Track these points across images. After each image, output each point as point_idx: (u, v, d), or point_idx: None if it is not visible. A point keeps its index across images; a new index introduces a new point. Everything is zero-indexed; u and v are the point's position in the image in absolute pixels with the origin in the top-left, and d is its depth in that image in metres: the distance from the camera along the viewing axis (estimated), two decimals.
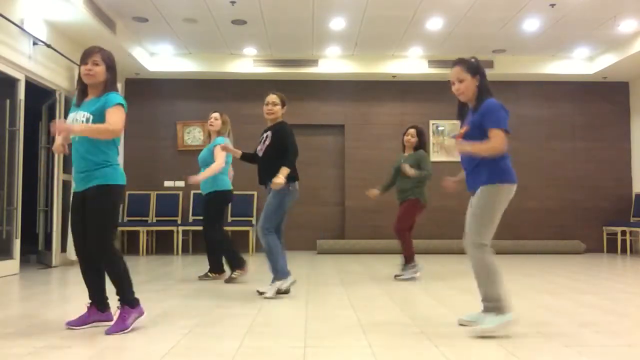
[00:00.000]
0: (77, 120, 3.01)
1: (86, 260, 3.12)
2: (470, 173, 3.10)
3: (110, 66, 3.12)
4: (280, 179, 4.07)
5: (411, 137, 5.51)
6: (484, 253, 3.01)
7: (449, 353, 2.59)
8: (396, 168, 5.54)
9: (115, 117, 2.99)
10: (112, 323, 3.05)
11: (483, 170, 3.01)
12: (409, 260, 5.40)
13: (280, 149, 4.25)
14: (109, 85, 3.10)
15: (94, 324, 3.14)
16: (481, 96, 3.06)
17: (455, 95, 3.19)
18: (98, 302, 3.15)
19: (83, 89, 3.13)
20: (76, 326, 3.08)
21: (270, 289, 4.20)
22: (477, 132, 3.01)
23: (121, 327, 2.98)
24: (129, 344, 2.76)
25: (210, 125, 5.36)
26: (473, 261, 3.04)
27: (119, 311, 3.05)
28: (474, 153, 2.98)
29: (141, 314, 3.11)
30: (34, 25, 6.07)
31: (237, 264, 5.15)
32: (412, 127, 5.60)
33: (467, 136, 3.05)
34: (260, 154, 4.38)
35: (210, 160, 5.18)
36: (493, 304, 2.99)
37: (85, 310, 3.16)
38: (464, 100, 3.14)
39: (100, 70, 3.07)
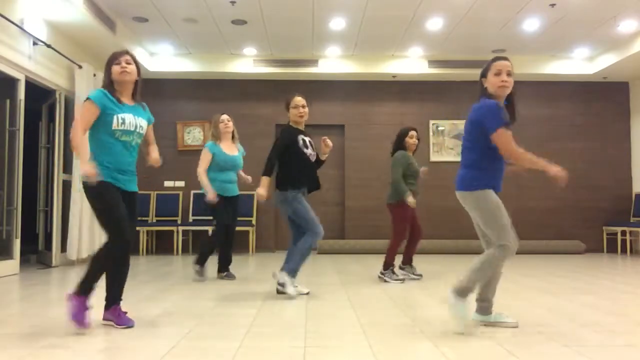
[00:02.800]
0: (142, 128, 3.19)
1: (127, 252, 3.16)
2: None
3: (139, 67, 3.24)
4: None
5: (416, 138, 5.42)
6: None
7: (449, 353, 2.59)
8: (417, 170, 5.34)
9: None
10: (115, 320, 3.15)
11: None
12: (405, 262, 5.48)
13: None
14: (138, 87, 3.24)
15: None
16: (514, 103, 3.17)
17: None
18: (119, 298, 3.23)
19: (113, 91, 3.14)
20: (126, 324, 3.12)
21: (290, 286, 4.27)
22: None
23: (132, 321, 3.17)
24: (129, 343, 2.76)
25: (226, 126, 5.36)
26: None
27: (118, 307, 3.17)
28: None
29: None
30: (34, 25, 6.08)
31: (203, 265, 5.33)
32: (414, 128, 5.46)
33: None
34: (313, 159, 4.40)
35: (241, 166, 5.44)
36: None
37: (117, 310, 3.18)
38: (504, 95, 3.10)
39: (134, 69, 3.17)
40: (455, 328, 3.03)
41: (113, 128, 3.02)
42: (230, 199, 5.34)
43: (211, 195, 5.10)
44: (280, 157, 4.27)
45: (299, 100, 4.39)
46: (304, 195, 4.32)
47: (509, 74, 3.05)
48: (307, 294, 4.36)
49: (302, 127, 4.45)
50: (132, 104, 3.18)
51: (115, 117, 3.03)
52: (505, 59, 3.10)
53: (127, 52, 3.20)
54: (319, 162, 4.46)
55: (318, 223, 4.23)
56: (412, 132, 5.39)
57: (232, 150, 5.37)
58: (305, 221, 4.21)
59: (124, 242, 3.01)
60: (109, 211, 2.99)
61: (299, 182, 4.27)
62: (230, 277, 5.35)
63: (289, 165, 4.28)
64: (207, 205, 5.20)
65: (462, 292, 2.99)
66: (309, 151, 4.34)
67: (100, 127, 3.03)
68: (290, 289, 4.18)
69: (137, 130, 3.12)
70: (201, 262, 5.25)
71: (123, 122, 3.04)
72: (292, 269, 4.22)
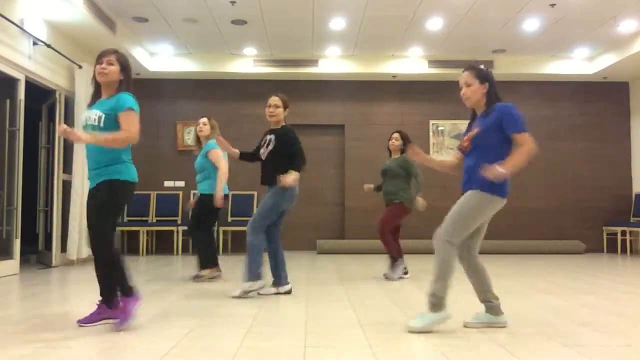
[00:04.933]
0: (90, 119, 3.09)
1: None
2: (469, 174, 3.11)
3: (125, 67, 3.19)
4: (290, 178, 4.09)
5: (395, 140, 5.60)
6: (449, 251, 3.07)
7: (449, 353, 2.59)
8: (382, 170, 5.65)
9: (128, 123, 3.05)
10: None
11: (479, 176, 3.00)
12: (394, 259, 5.43)
13: (285, 154, 4.24)
14: (123, 85, 3.17)
15: (104, 321, 3.17)
16: (491, 102, 3.12)
17: (459, 99, 3.26)
18: (107, 298, 3.14)
19: (97, 90, 3.21)
20: (87, 324, 3.10)
21: (238, 289, 4.23)
22: (492, 135, 3.03)
23: (125, 317, 3.06)
24: (129, 343, 2.76)
25: (200, 130, 5.33)
26: (436, 255, 3.10)
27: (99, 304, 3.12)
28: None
29: (137, 301, 3.15)
30: (34, 25, 6.07)
31: (213, 264, 5.26)
32: (396, 131, 5.70)
33: (478, 138, 3.07)
34: (262, 157, 4.37)
35: (207, 165, 5.22)
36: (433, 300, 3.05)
37: (95, 307, 3.18)
38: (469, 106, 3.20)
39: (114, 69, 3.14)
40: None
41: None
42: (198, 198, 5.30)
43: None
44: None
45: (272, 99, 4.41)
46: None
47: (466, 85, 3.14)
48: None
49: (273, 126, 4.43)
50: (106, 98, 3.16)
51: None
52: (464, 70, 3.17)
53: (113, 52, 3.17)
54: (272, 159, 4.30)
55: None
56: (393, 135, 5.68)
57: (199, 153, 5.35)
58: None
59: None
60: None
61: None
62: (194, 277, 5.30)
63: None
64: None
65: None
66: (261, 150, 4.40)
67: None
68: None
69: (87, 122, 3.10)
70: (201, 264, 5.28)
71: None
72: (247, 270, 4.27)
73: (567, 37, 7.82)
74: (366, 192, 5.90)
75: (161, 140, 8.98)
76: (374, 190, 5.83)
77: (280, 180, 4.11)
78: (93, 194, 3.10)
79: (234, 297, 4.16)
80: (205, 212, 5.23)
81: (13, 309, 3.78)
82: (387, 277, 5.41)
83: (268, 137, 4.40)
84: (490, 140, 3.02)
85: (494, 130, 3.02)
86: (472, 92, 3.12)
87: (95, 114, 3.08)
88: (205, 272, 5.21)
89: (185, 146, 8.96)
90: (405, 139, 5.60)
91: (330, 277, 5.56)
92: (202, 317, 3.43)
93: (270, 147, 4.31)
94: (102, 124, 3.06)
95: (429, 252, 7.71)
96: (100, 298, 3.15)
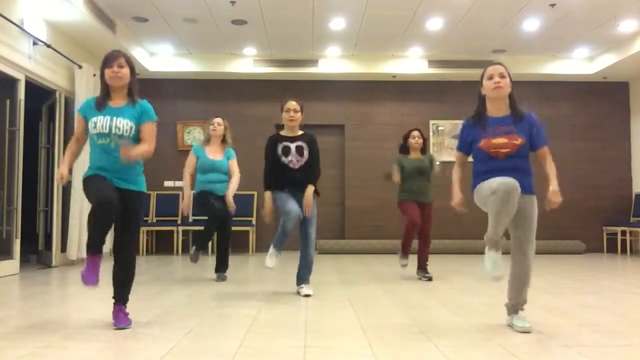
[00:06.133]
0: (118, 128, 3.06)
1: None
2: (515, 173, 3.10)
3: (133, 69, 3.21)
4: (310, 198, 4.26)
5: (418, 138, 5.47)
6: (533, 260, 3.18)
7: (449, 353, 2.59)
8: (417, 168, 5.39)
9: (152, 137, 3.15)
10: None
11: (528, 179, 3.21)
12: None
13: (313, 161, 4.35)
14: (133, 87, 3.19)
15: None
16: (515, 104, 3.22)
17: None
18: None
19: (106, 94, 3.17)
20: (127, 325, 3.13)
21: (310, 288, 4.36)
22: (528, 143, 3.17)
23: (128, 322, 3.12)
24: (129, 344, 2.76)
25: (214, 130, 5.32)
26: (526, 268, 3.13)
27: (117, 307, 3.14)
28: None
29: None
30: (34, 25, 6.07)
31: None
32: (415, 129, 5.56)
33: (523, 147, 3.16)
34: (296, 166, 4.30)
35: (224, 171, 5.30)
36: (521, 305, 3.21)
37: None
38: (498, 96, 3.16)
39: (126, 72, 3.14)
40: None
41: (90, 133, 3.13)
42: (218, 197, 5.27)
43: (184, 203, 5.31)
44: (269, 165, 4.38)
45: (291, 104, 4.39)
46: (290, 192, 4.32)
47: (502, 76, 3.14)
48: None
49: (293, 132, 4.42)
50: (122, 105, 3.14)
51: (90, 121, 3.10)
52: (497, 63, 3.22)
53: (121, 54, 3.16)
54: (311, 167, 4.34)
55: (287, 209, 4.21)
56: (414, 133, 5.53)
57: (216, 154, 5.28)
58: (280, 210, 4.29)
59: (99, 202, 2.94)
60: (89, 186, 3.05)
61: (279, 186, 4.33)
62: (221, 278, 5.27)
63: (273, 171, 4.36)
64: (198, 205, 5.27)
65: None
66: (289, 159, 4.30)
67: (88, 133, 3.16)
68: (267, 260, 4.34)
69: (114, 131, 3.05)
70: (197, 246, 5.27)
71: (95, 126, 3.07)
72: (273, 243, 4.38)
73: (567, 37, 7.82)
74: (395, 181, 5.46)
75: (161, 140, 8.81)
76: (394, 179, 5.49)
77: (306, 206, 4.24)
78: (123, 196, 3.06)
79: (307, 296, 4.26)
80: (233, 212, 5.32)
81: (13, 309, 3.78)
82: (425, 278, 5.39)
83: (297, 144, 4.34)
84: (527, 148, 3.20)
85: (529, 138, 3.18)
86: (507, 84, 3.15)
87: (126, 124, 3.07)
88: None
89: (185, 146, 8.94)
90: (424, 137, 5.58)
91: (330, 277, 5.56)
92: (202, 317, 3.43)
93: (306, 156, 4.32)
94: (132, 134, 3.09)
95: (430, 252, 7.70)
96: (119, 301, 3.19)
